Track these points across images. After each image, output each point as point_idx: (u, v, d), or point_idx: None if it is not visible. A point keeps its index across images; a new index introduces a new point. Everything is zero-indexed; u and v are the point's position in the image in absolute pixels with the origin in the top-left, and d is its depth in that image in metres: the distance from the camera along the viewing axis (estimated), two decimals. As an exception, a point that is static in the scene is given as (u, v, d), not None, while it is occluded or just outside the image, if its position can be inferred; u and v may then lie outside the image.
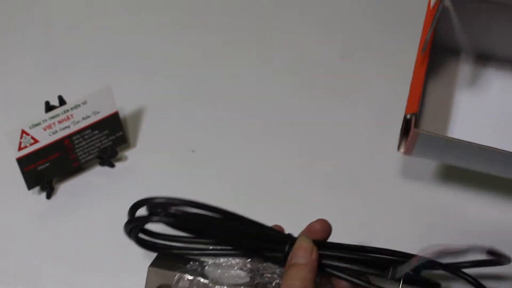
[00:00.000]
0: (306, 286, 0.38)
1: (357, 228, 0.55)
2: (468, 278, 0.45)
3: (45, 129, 0.55)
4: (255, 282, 0.42)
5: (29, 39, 0.73)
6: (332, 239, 0.45)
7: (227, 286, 0.41)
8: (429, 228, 0.55)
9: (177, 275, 0.41)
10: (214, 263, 0.42)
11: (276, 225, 0.46)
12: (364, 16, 0.71)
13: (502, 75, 0.59)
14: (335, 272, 0.41)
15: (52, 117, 0.55)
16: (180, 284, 0.41)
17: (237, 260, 0.42)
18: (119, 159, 0.61)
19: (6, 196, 0.57)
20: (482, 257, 0.44)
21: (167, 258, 0.44)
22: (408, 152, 0.52)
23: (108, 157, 0.60)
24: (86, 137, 0.58)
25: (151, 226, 0.44)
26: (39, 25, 0.75)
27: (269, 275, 0.42)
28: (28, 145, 0.54)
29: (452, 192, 0.57)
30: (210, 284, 0.40)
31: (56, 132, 0.56)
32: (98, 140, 0.59)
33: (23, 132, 0.54)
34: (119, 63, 0.70)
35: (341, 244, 0.43)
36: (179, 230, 0.42)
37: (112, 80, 0.59)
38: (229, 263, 0.41)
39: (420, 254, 0.39)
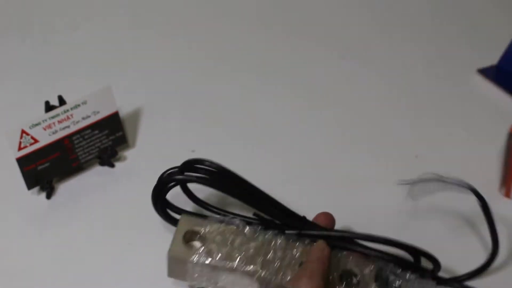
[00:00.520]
0: (311, 277, 0.41)
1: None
2: None
3: (45, 129, 0.55)
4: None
5: (29, 39, 0.73)
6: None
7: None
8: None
9: (207, 221, 0.46)
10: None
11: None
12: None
13: None
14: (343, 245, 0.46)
15: (52, 117, 0.55)
16: (208, 229, 0.45)
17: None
18: (119, 159, 0.61)
19: (6, 196, 0.57)
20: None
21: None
22: (508, 195, 0.57)
23: (108, 157, 0.60)
24: (86, 137, 0.58)
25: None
26: (39, 25, 0.75)
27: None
28: (28, 145, 0.54)
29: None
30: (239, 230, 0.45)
31: (56, 132, 0.56)
32: (98, 140, 0.59)
33: (23, 132, 0.54)
34: (119, 63, 0.70)
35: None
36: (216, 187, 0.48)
37: (112, 80, 0.59)
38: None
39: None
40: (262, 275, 0.44)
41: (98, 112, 0.57)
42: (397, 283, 0.43)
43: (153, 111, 0.65)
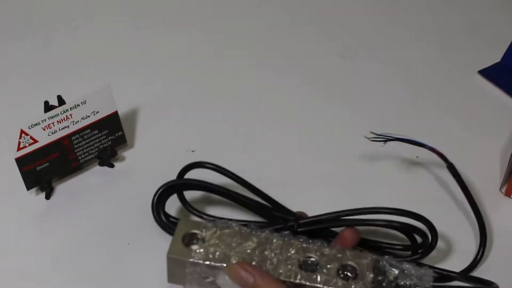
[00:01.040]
0: None
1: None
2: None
3: (44, 129, 0.55)
4: None
5: (29, 39, 0.73)
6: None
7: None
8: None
9: (205, 223, 0.46)
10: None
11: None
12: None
13: None
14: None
15: (52, 117, 0.55)
16: (206, 231, 0.45)
17: None
18: (118, 159, 0.60)
19: (5, 197, 0.57)
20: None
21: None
22: (508, 194, 0.57)
23: (107, 157, 0.59)
24: (85, 137, 0.58)
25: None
26: (39, 25, 0.75)
27: None
28: (27, 145, 0.54)
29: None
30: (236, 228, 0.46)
31: (55, 132, 0.56)
32: (97, 140, 0.58)
33: (22, 132, 0.54)
34: (118, 63, 0.70)
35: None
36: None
37: (111, 80, 0.59)
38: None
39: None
40: None
41: (97, 112, 0.57)
42: (394, 273, 0.43)
43: (152, 111, 0.65)
